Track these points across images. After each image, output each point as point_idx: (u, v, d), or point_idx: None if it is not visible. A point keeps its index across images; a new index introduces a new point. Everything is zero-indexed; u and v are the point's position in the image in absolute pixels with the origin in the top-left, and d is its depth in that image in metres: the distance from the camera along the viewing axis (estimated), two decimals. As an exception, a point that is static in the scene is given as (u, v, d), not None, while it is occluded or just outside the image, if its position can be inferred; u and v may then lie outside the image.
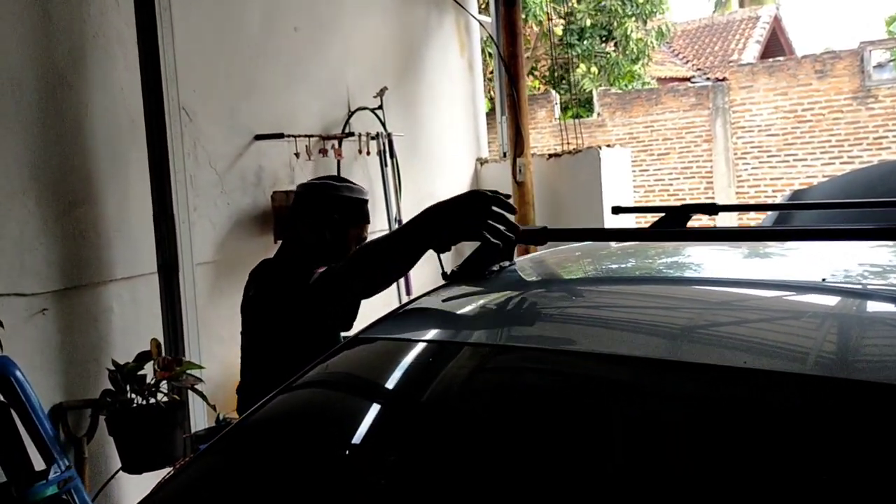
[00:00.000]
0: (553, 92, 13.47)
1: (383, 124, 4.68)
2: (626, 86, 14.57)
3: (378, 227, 4.68)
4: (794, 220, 4.31)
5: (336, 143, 4.39)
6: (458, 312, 1.48)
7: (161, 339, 3.40)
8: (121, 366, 2.88)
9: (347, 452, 1.13)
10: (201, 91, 3.75)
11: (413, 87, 5.34)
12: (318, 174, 4.43)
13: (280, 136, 3.99)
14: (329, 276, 1.81)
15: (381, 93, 4.62)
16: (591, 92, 13.48)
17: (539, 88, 14.42)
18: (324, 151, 4.25)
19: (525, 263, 1.88)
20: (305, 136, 4.16)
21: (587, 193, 5.19)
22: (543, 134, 13.20)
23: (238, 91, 3.97)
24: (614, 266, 1.89)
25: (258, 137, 4.02)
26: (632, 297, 1.42)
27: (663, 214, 2.74)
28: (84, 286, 3.22)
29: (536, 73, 16.51)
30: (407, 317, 1.48)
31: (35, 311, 3.04)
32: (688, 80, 16.09)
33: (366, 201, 2.21)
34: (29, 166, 3.01)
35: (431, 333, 1.39)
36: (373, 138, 4.62)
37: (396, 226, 4.57)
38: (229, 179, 3.91)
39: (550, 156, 5.52)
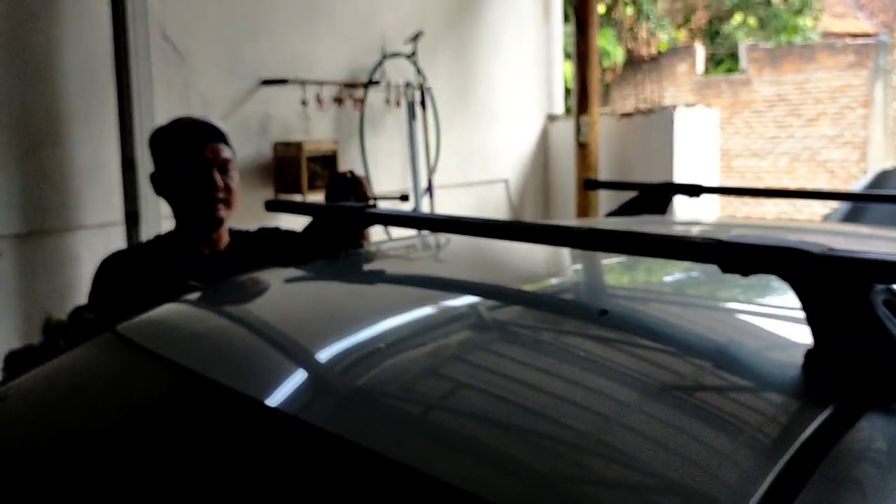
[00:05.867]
0: (695, 45, 12.28)
1: (419, 72, 4.25)
2: (786, 41, 13.01)
3: (400, 186, 4.30)
4: (869, 215, 3.47)
5: (360, 91, 4.02)
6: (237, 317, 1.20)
7: (127, 292, 3.25)
8: (49, 317, 2.74)
9: None
10: (197, 29, 3.50)
11: (468, 29, 4.83)
12: (340, 126, 4.10)
13: (283, 81, 3.68)
14: None
15: (416, 38, 4.17)
16: (738, 46, 12.17)
17: (681, 40, 13.22)
18: (339, 101, 3.89)
19: (372, 251, 1.57)
20: (317, 82, 3.82)
21: (658, 161, 4.51)
22: (682, 91, 12.12)
23: (243, 30, 3.69)
24: (437, 269, 1.46)
25: (266, 83, 3.73)
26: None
27: (636, 194, 2.20)
28: (48, 231, 3.10)
29: (691, 25, 15.18)
30: (189, 311, 1.22)
31: (-11, 253, 2.95)
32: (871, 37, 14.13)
33: (194, 122, 1.85)
34: (-16, 105, 2.89)
35: (180, 349, 1.07)
36: (408, 88, 4.21)
37: (426, 195, 4.11)
38: (228, 127, 3.64)
39: (623, 115, 4.85)
